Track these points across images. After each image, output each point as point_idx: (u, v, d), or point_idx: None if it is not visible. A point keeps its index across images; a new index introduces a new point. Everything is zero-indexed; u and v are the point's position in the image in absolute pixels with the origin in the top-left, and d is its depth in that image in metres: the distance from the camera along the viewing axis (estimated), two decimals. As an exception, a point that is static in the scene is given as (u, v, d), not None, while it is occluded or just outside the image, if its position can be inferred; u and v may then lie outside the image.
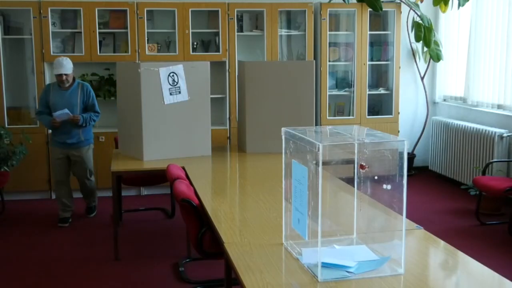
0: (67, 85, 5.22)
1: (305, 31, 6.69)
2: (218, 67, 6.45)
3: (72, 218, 5.51)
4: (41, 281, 4.14)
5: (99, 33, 6.28)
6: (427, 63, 7.25)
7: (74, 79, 5.30)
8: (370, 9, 6.46)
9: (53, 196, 6.10)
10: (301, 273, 2.23)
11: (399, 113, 6.97)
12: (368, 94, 6.89)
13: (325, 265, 2.20)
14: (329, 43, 6.74)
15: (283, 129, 2.44)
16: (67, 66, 5.15)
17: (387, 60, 7.03)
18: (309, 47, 6.69)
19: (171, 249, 4.74)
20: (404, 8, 6.89)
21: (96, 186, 6.18)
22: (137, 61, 6.20)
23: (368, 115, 6.91)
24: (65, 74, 5.16)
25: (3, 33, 6.18)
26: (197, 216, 3.17)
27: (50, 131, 5.52)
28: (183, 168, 4.18)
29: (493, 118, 6.25)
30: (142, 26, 6.28)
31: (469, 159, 6.44)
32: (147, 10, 6.29)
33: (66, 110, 5.12)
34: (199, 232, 3.15)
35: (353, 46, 6.80)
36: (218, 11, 6.43)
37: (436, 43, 6.78)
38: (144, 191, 6.54)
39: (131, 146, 4.81)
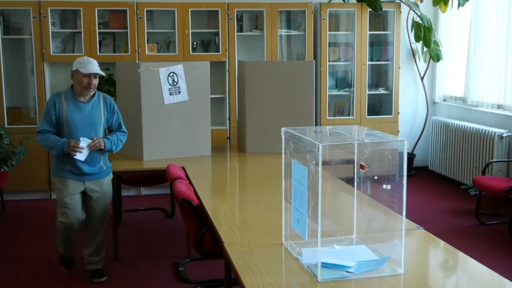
0: (92, 92, 3.96)
1: (305, 31, 6.69)
2: (218, 67, 6.45)
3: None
4: (41, 281, 4.14)
5: (99, 33, 6.27)
6: (427, 63, 7.24)
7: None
8: (370, 9, 6.45)
9: (53, 196, 6.07)
10: (301, 273, 2.23)
11: (399, 113, 6.96)
12: (368, 94, 6.89)
13: (325, 265, 2.20)
14: (329, 43, 6.74)
15: (283, 129, 2.44)
16: (97, 65, 3.91)
17: (387, 60, 7.03)
18: (309, 47, 6.69)
19: (171, 249, 4.74)
20: (404, 8, 6.89)
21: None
22: (137, 61, 6.20)
23: (368, 115, 6.91)
24: (95, 76, 3.89)
25: (3, 33, 6.18)
26: (197, 216, 3.17)
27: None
28: (183, 168, 4.18)
29: (493, 118, 6.25)
30: (142, 26, 6.28)
31: (469, 159, 6.44)
32: (147, 10, 6.29)
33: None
34: (199, 232, 3.15)
35: (353, 46, 6.80)
36: (218, 11, 6.42)
37: (436, 43, 6.77)
38: (144, 191, 6.54)
39: (131, 146, 4.81)
